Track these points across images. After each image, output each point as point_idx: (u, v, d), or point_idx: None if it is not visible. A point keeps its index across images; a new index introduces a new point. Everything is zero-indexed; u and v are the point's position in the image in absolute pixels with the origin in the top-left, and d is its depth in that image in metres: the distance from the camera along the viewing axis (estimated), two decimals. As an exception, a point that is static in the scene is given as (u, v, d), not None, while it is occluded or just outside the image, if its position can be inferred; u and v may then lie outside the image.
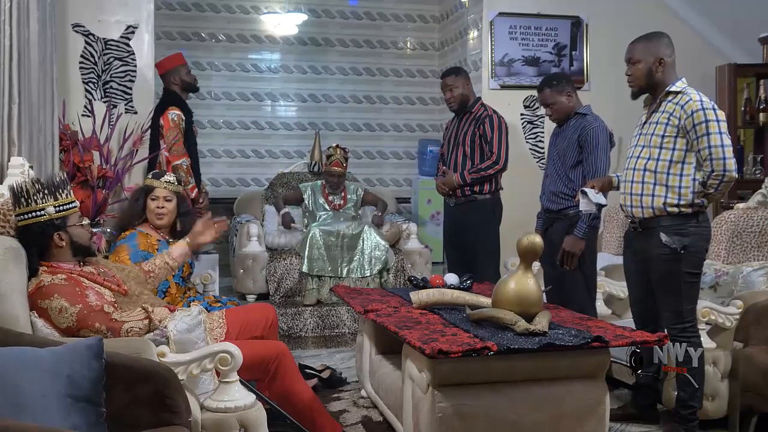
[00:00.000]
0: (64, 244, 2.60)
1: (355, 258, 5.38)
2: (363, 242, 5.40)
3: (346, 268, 5.36)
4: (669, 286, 3.13)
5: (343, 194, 5.83)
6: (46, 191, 2.58)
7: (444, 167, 4.54)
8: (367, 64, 7.10)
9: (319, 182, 5.91)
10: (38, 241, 2.57)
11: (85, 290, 2.52)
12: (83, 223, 2.69)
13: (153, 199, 3.40)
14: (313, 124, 6.92)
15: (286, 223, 5.70)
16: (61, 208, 2.59)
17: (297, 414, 3.01)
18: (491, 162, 4.34)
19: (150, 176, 3.55)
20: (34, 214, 2.57)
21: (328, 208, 5.76)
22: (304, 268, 5.31)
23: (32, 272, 2.54)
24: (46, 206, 2.57)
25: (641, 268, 3.26)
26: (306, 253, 5.32)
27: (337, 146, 5.72)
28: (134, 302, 2.67)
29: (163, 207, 3.39)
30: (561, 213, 3.89)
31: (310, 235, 5.34)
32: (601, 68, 5.69)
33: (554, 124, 4.07)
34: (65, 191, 2.62)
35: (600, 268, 4.20)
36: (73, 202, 2.66)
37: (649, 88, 3.21)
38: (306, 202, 5.85)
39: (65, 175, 2.73)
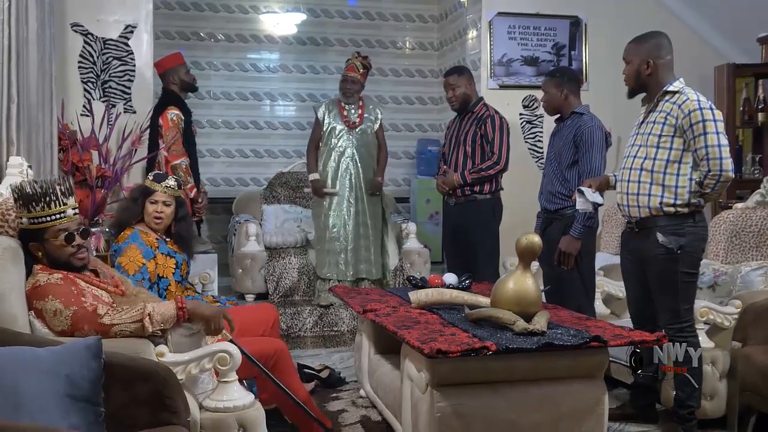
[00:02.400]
0: (41, 254, 2.54)
1: (362, 261, 5.23)
2: (371, 242, 5.25)
3: (353, 270, 5.20)
4: (666, 286, 3.13)
5: (360, 111, 5.31)
6: (20, 202, 2.51)
7: (444, 166, 4.54)
8: (366, 64, 7.09)
9: (336, 98, 5.42)
10: (24, 247, 2.55)
11: (82, 291, 2.50)
12: (59, 238, 2.51)
13: (152, 203, 3.39)
14: (312, 124, 6.91)
15: (318, 190, 5.23)
16: (33, 220, 2.50)
17: (291, 411, 3.02)
18: (492, 162, 4.35)
19: (151, 178, 3.49)
20: (19, 221, 2.55)
21: (342, 126, 5.23)
22: (328, 274, 5.18)
23: (27, 272, 2.53)
24: (22, 216, 2.52)
25: (638, 268, 3.27)
26: (319, 258, 5.24)
27: (358, 54, 5.37)
28: (132, 302, 2.66)
29: (161, 212, 3.38)
30: (558, 213, 3.89)
31: (326, 237, 5.19)
32: (600, 68, 5.69)
33: (554, 124, 4.08)
34: (42, 204, 2.48)
35: (599, 268, 4.20)
36: (51, 215, 2.50)
37: (640, 88, 3.23)
38: (321, 120, 5.28)
39: (52, 182, 2.54)
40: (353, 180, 5.25)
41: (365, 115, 5.32)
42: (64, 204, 2.53)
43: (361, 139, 5.29)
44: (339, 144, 5.25)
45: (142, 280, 3.15)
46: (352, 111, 5.29)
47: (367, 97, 5.48)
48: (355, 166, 5.25)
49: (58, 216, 2.52)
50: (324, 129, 5.29)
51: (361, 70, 5.27)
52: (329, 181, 5.23)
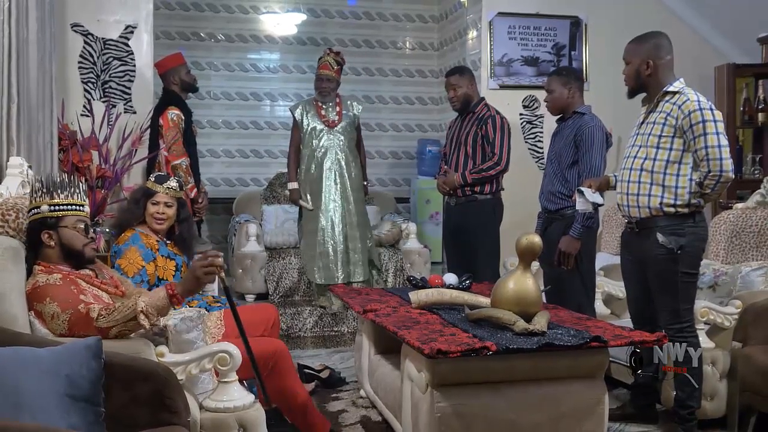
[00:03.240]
0: (53, 243, 2.55)
1: (350, 263, 5.14)
2: (358, 243, 5.16)
3: (342, 273, 5.11)
4: (666, 286, 3.13)
5: (338, 108, 5.20)
6: (44, 189, 2.57)
7: (445, 166, 4.54)
8: (366, 64, 7.10)
9: (312, 98, 5.32)
10: (32, 239, 2.57)
11: (82, 291, 2.50)
12: (78, 227, 2.58)
13: (154, 204, 3.38)
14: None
15: (295, 201, 5.22)
16: (55, 207, 2.55)
17: (290, 412, 3.02)
18: (493, 163, 4.34)
19: (153, 179, 3.47)
20: (33, 211, 2.58)
21: (322, 126, 5.14)
22: (318, 279, 5.07)
23: (28, 271, 2.53)
24: (42, 204, 2.56)
25: (638, 269, 3.27)
26: (308, 263, 5.14)
27: (331, 50, 5.22)
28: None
29: (163, 213, 3.38)
30: (558, 213, 3.89)
31: (318, 241, 5.09)
32: (600, 68, 5.69)
33: (554, 125, 4.08)
34: (66, 193, 2.58)
35: (599, 268, 4.20)
36: (73, 205, 2.59)
37: (640, 88, 3.23)
38: (299, 122, 5.19)
39: (75, 179, 2.66)
40: (338, 180, 5.13)
41: (344, 113, 5.20)
42: (84, 200, 2.65)
43: (342, 138, 5.17)
44: (321, 144, 5.14)
45: (141, 282, 3.15)
46: (330, 109, 5.18)
47: (343, 95, 5.34)
48: (338, 166, 5.14)
49: (79, 207, 2.61)
50: (303, 130, 5.17)
51: (335, 67, 5.14)
52: (312, 184, 5.11)
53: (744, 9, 5.67)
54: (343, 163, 5.16)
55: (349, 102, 5.30)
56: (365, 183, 5.37)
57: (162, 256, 3.32)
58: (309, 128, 5.17)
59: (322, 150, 5.15)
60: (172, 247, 3.41)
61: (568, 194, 3.81)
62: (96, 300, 2.49)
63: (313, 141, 5.16)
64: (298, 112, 5.21)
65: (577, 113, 3.90)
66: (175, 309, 2.51)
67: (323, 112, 5.17)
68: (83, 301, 2.43)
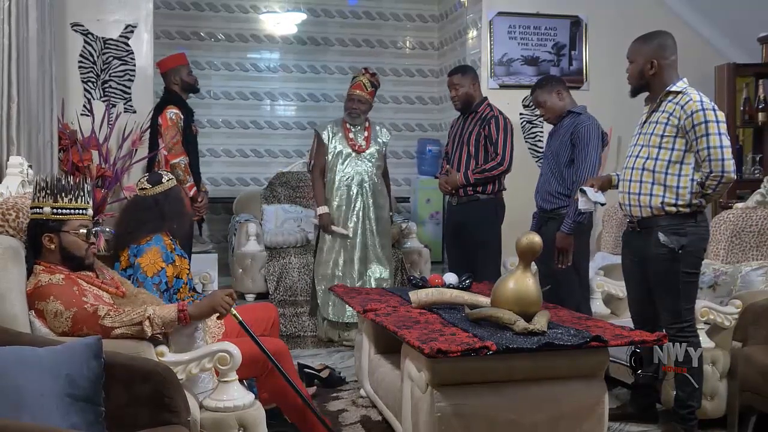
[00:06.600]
0: (53, 247, 2.54)
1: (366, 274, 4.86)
2: (377, 280, 4.83)
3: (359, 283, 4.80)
4: (667, 286, 3.13)
5: (366, 133, 4.84)
6: (48, 191, 2.56)
7: (448, 166, 4.53)
8: (367, 64, 7.02)
9: (340, 119, 4.94)
10: (32, 238, 2.56)
11: (84, 291, 2.50)
12: (80, 231, 2.57)
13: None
14: (312, 124, 6.91)
15: (326, 226, 4.79)
16: (58, 210, 2.54)
17: (291, 411, 3.02)
18: (495, 163, 4.34)
19: (176, 181, 3.43)
20: (34, 210, 2.57)
21: (349, 151, 4.79)
22: (332, 316, 4.75)
23: (28, 270, 2.53)
24: (44, 205, 2.55)
25: (640, 268, 3.27)
26: (323, 296, 4.79)
27: (366, 70, 4.88)
28: (132, 302, 2.66)
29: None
30: (554, 212, 3.90)
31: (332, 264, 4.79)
32: (601, 68, 5.69)
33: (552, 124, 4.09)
34: (70, 197, 2.56)
35: (599, 268, 4.21)
36: (77, 209, 2.57)
37: (643, 87, 3.23)
38: (326, 143, 4.82)
39: (81, 181, 2.64)
40: (362, 211, 4.80)
41: (372, 138, 4.87)
42: (88, 203, 2.63)
43: (369, 166, 4.82)
44: (346, 170, 4.78)
45: (159, 282, 3.12)
46: (359, 134, 4.84)
47: (372, 120, 5.01)
48: (364, 195, 4.80)
49: (82, 211, 2.60)
50: (329, 152, 4.81)
51: (369, 89, 4.81)
52: (337, 212, 4.79)
53: (744, 9, 5.67)
54: (369, 192, 4.81)
55: (378, 127, 4.97)
56: (390, 214, 5.08)
57: (178, 255, 3.32)
58: (335, 151, 4.80)
59: (348, 176, 4.80)
60: (180, 246, 3.41)
61: (566, 193, 3.82)
62: (97, 300, 2.49)
63: (338, 165, 4.80)
64: (325, 134, 4.84)
65: (573, 113, 3.92)
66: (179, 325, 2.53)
67: (351, 136, 4.82)
68: (87, 301, 2.44)
